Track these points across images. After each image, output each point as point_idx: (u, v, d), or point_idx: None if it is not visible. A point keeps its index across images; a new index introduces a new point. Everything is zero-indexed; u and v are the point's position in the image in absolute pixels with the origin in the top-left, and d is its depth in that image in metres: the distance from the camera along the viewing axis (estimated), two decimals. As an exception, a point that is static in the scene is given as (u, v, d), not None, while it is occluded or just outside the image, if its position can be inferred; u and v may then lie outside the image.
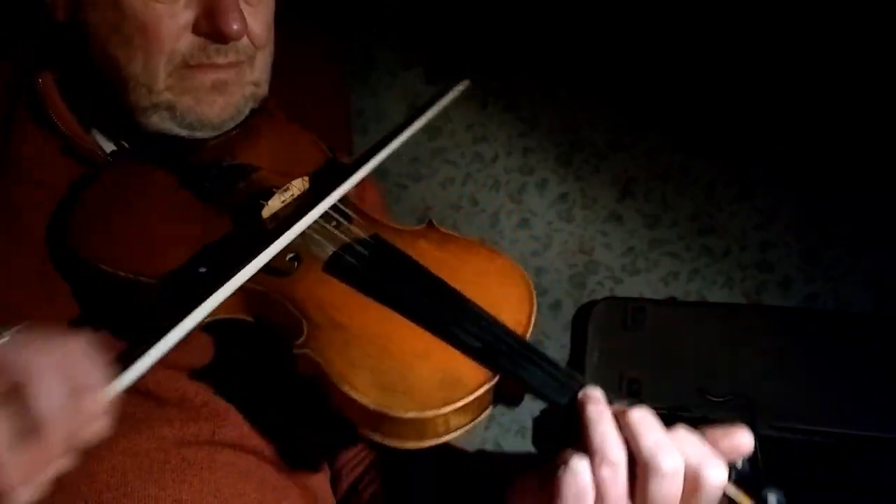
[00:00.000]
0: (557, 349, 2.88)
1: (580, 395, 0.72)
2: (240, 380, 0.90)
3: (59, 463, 0.56)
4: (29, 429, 0.52)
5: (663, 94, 2.76)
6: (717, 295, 2.80)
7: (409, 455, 0.92)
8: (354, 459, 1.01)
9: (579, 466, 0.68)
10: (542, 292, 2.87)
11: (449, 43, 2.87)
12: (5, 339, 0.56)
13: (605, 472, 0.68)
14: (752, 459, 0.72)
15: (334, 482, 1.01)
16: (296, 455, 0.93)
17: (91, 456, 0.79)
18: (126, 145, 0.96)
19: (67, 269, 0.85)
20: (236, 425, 0.88)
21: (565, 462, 0.69)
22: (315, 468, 0.96)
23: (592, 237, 2.91)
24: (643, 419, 0.69)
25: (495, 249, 0.90)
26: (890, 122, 2.56)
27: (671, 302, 2.74)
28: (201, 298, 0.73)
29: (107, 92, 0.91)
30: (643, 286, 2.85)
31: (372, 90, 3.00)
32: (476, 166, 2.95)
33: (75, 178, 0.91)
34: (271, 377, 0.91)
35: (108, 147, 0.95)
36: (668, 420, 0.73)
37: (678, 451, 0.68)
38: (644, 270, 2.87)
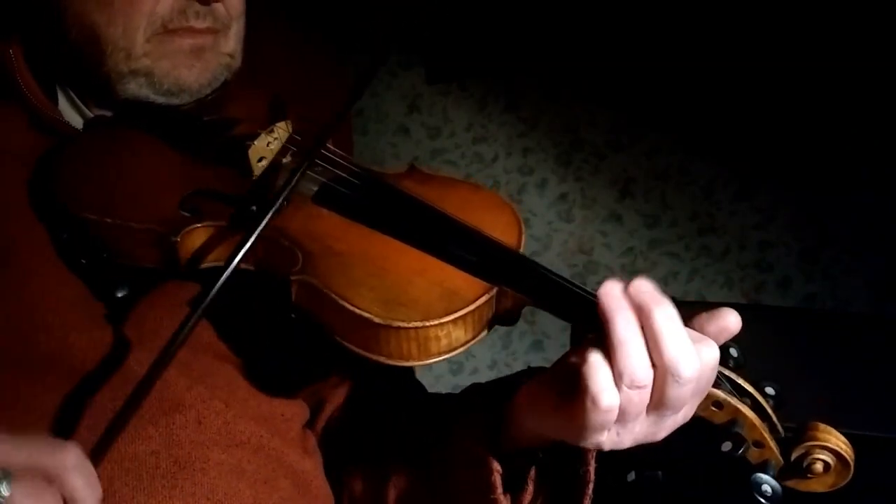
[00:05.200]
0: (557, 349, 2.88)
1: (602, 299, 0.67)
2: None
3: None
4: None
5: (663, 94, 2.76)
6: (716, 295, 2.81)
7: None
8: (345, 426, 1.00)
9: (609, 402, 0.65)
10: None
11: (449, 43, 2.87)
12: (6, 494, 0.60)
13: (634, 395, 0.66)
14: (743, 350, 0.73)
15: (327, 454, 1.00)
16: (283, 434, 0.93)
17: None
18: (101, 114, 0.97)
19: (55, 227, 0.86)
20: (219, 412, 0.87)
21: (591, 395, 0.66)
22: (303, 449, 0.96)
23: (592, 237, 2.92)
24: (668, 321, 0.66)
25: (477, 183, 0.93)
26: (890, 122, 2.56)
27: (671, 302, 2.74)
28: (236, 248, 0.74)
29: (82, 61, 0.91)
30: (643, 286, 2.85)
31: (372, 90, 3.00)
32: (476, 166, 2.95)
33: (42, 152, 0.91)
34: (256, 348, 0.92)
35: (77, 122, 0.95)
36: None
37: (696, 356, 0.65)
38: (644, 270, 2.87)
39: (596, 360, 0.66)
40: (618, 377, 0.66)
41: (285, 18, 2.61)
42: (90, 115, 0.95)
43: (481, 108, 2.93)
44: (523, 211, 2.92)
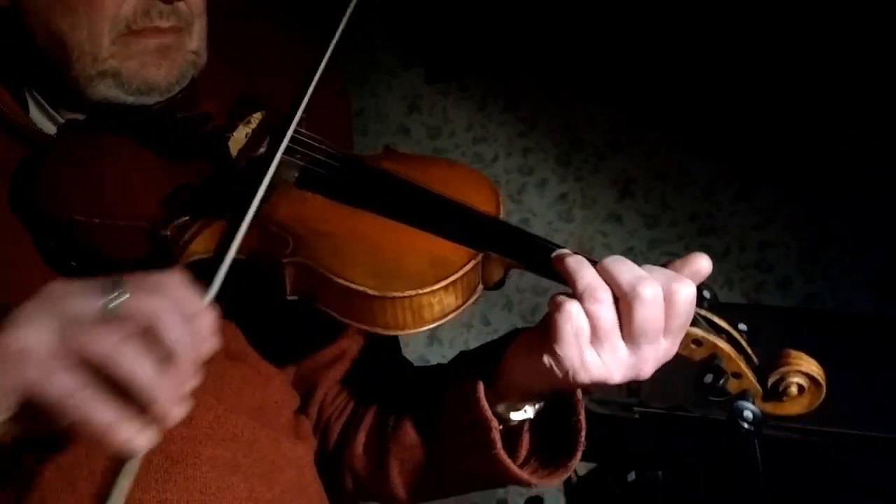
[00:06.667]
0: (557, 349, 2.88)
1: (554, 253, 0.77)
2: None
3: (192, 381, 0.65)
4: (165, 358, 0.62)
5: (662, 94, 2.77)
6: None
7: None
8: (339, 406, 1.02)
9: (572, 306, 0.73)
10: (541, 292, 2.87)
11: (448, 43, 2.87)
12: (126, 295, 0.63)
13: (595, 307, 0.73)
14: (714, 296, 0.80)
15: (324, 437, 1.02)
16: (274, 421, 0.94)
17: (71, 463, 0.80)
18: (73, 119, 0.96)
19: (41, 235, 0.86)
20: (210, 407, 0.88)
21: (558, 306, 0.74)
22: (295, 434, 0.96)
23: (592, 237, 2.92)
24: (616, 260, 0.75)
25: (452, 160, 0.96)
26: (890, 122, 2.56)
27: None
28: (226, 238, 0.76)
29: (50, 66, 0.91)
30: (643, 286, 2.86)
31: (372, 90, 3.00)
32: (476, 166, 2.95)
33: (16, 160, 0.90)
34: (256, 334, 0.93)
35: (49, 128, 0.95)
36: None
37: (654, 280, 0.73)
38: (644, 270, 2.87)
39: (560, 295, 0.75)
40: (579, 298, 0.73)
41: (282, 17, 2.61)
42: (62, 120, 0.95)
43: (481, 108, 2.94)
44: (523, 211, 2.93)
